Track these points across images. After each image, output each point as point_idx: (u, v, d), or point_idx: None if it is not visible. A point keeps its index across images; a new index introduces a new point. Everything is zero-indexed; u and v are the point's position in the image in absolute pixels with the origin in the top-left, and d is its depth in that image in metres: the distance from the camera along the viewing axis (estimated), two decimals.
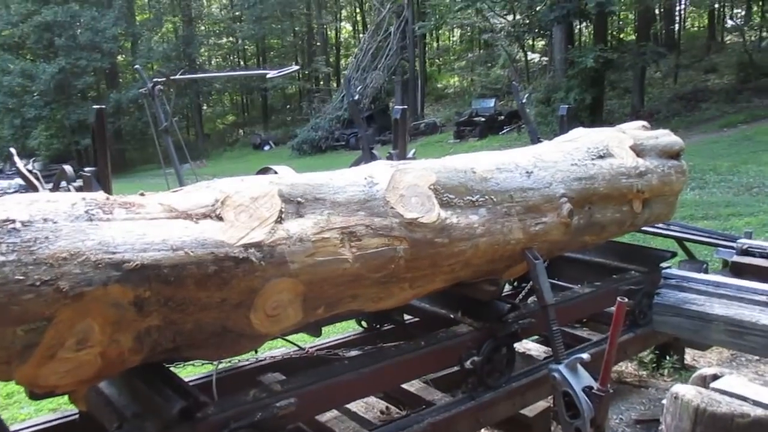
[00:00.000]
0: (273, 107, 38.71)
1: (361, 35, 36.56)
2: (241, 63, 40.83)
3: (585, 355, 2.62)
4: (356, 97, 3.16)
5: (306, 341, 3.17)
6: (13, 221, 1.65)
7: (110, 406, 2.10)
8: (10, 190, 20.42)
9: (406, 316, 3.44)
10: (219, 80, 31.93)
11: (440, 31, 35.04)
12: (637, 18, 22.85)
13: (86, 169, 2.43)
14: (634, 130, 3.60)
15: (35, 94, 30.18)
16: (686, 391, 1.89)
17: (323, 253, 2.12)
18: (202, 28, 38.35)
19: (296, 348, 3.02)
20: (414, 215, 2.36)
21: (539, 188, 2.86)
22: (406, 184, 2.43)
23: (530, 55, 25.58)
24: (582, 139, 3.35)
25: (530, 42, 26.29)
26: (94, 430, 2.28)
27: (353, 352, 2.96)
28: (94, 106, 2.47)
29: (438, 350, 2.63)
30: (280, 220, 2.07)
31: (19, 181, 21.80)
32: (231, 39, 38.36)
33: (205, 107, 39.19)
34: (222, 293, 1.91)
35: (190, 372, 2.87)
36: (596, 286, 3.49)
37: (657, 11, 23.51)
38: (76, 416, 2.48)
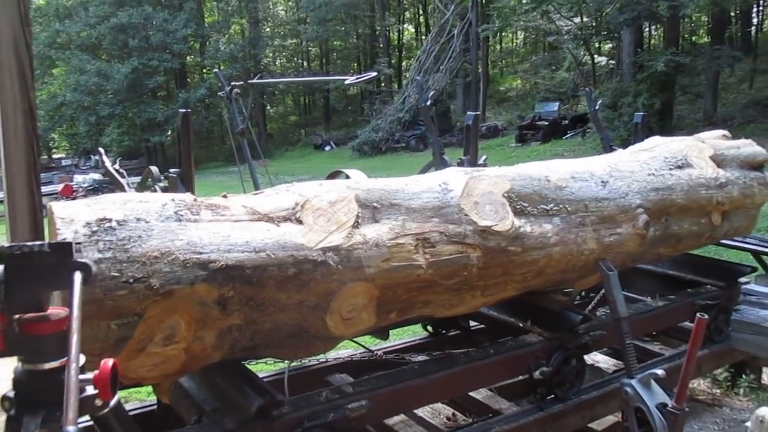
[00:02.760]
0: (334, 108, 39.09)
1: (423, 37, 36.54)
2: (305, 64, 41.46)
3: (660, 371, 2.56)
4: (429, 102, 3.16)
5: (373, 343, 3.20)
6: (110, 220, 1.74)
7: (190, 400, 2.18)
8: (85, 184, 21.35)
9: (472, 323, 3.42)
10: (279, 83, 32.52)
11: (504, 34, 34.66)
12: (711, 20, 21.98)
13: (172, 170, 2.53)
14: (714, 140, 3.48)
15: (109, 92, 31.44)
16: None
17: (398, 259, 2.14)
18: (268, 29, 39.08)
19: (364, 350, 3.05)
20: (488, 223, 2.35)
21: (615, 198, 2.80)
22: (481, 191, 2.43)
23: (597, 58, 24.98)
24: (659, 149, 3.26)
25: (597, 45, 25.71)
26: (170, 420, 2.38)
27: (420, 357, 2.97)
28: (181, 110, 2.56)
29: (507, 359, 2.61)
30: (357, 224, 2.10)
31: (93, 176, 22.75)
32: (295, 41, 38.97)
33: (268, 107, 39.96)
34: (300, 295, 1.96)
35: (261, 369, 2.95)
36: (670, 300, 3.39)
37: (733, 13, 22.60)
38: (154, 407, 2.58)
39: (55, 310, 1.05)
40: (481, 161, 3.26)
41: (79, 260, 0.95)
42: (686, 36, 23.25)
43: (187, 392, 2.21)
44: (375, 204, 2.20)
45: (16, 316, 1.05)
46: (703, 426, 3.42)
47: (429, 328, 3.43)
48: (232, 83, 3.30)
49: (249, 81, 3.25)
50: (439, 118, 26.41)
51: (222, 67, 35.07)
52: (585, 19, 22.01)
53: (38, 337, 1.08)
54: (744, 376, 3.75)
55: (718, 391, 3.79)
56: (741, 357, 3.59)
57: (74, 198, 20.13)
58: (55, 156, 35.82)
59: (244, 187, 3.22)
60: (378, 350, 3.06)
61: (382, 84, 35.58)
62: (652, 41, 25.09)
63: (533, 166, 2.79)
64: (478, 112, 3.25)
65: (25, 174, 3.33)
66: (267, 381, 2.65)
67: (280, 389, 2.51)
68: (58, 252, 0.94)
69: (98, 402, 1.09)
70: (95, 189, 21.16)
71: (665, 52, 16.79)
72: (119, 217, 1.75)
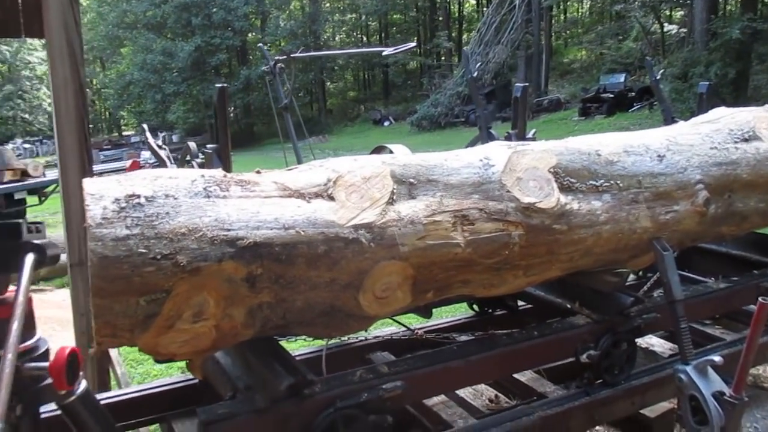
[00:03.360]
0: (393, 83, 38.91)
1: (484, 9, 35.73)
2: (364, 39, 41.32)
3: (717, 357, 2.40)
4: (475, 74, 3.05)
5: (416, 322, 3.14)
6: (138, 196, 1.73)
7: (225, 376, 2.18)
8: (152, 160, 22.05)
9: (520, 303, 3.32)
10: (342, 57, 32.49)
11: (568, 3, 33.52)
12: None
13: (208, 146, 2.52)
14: None
15: (174, 71, 32.25)
16: None
17: (434, 237, 2.06)
18: (327, 5, 39.09)
19: (405, 329, 3.00)
20: (531, 200, 2.24)
21: (672, 173, 2.63)
22: (524, 166, 2.31)
23: (667, 27, 23.83)
24: (724, 120, 3.04)
25: (667, 12, 24.53)
26: (212, 395, 2.40)
27: (463, 337, 2.91)
28: (217, 85, 2.55)
29: (552, 341, 2.51)
30: (391, 201, 2.03)
31: (161, 152, 23.52)
32: (354, 15, 38.85)
33: (328, 83, 40.12)
34: (331, 273, 1.91)
35: (302, 345, 2.94)
36: (733, 281, 3.19)
37: None
38: (197, 381, 2.61)
39: (11, 294, 1.02)
40: (529, 135, 3.13)
41: (32, 241, 0.91)
42: (765, 1, 21.83)
43: (223, 368, 2.22)
44: (411, 180, 2.12)
45: None
46: (767, 415, 3.23)
47: (475, 307, 3.35)
48: (276, 58, 3.26)
49: (292, 55, 3.22)
50: (500, 91, 25.90)
51: (282, 44, 35.36)
52: None
53: None
54: None
55: None
56: None
57: None
58: (124, 133, 37.13)
59: (287, 163, 3.20)
60: (420, 329, 3.01)
61: (442, 57, 35.10)
62: (728, 7, 23.74)
63: (584, 139, 2.64)
64: (527, 84, 3.12)
65: (77, 151, 3.40)
66: (306, 358, 2.65)
67: (318, 368, 2.50)
68: (7, 234, 0.91)
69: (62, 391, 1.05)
70: (158, 165, 21.87)
71: (741, 18, 15.84)
72: (148, 194, 1.74)
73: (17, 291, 0.90)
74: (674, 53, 20.61)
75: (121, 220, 1.67)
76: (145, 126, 3.75)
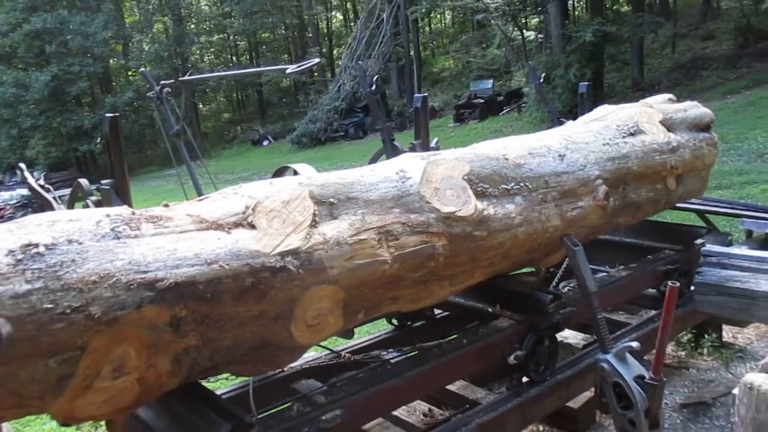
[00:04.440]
0: (269, 102, 38.43)
1: (352, 24, 36.23)
2: (234, 59, 40.53)
3: (635, 344, 2.52)
4: (373, 88, 3.02)
5: (337, 344, 3.05)
6: (36, 245, 1.53)
7: (148, 431, 1.99)
8: (12, 201, 20.29)
9: (436, 311, 3.32)
10: (212, 78, 31.63)
11: (432, 15, 34.70)
12: None
13: (104, 181, 2.31)
14: (662, 104, 3.47)
15: (30, 103, 29.96)
16: (762, 380, 1.77)
17: (361, 256, 2.00)
18: (193, 26, 38.01)
19: (329, 352, 2.91)
20: (451, 209, 2.24)
21: (573, 171, 2.73)
22: (440, 176, 2.31)
23: (526, 33, 25.29)
24: (610, 117, 3.22)
25: (524, 20, 26.02)
26: None
27: (388, 354, 2.85)
28: (107, 114, 2.34)
29: (481, 347, 2.52)
30: (314, 223, 1.95)
31: (21, 191, 21.65)
32: (222, 36, 38.03)
33: (200, 105, 38.95)
34: (260, 306, 1.80)
35: (223, 384, 2.77)
36: (632, 269, 3.37)
37: None
38: None
39: None
40: (433, 144, 3.15)
41: None
42: (609, 5, 23.74)
43: (146, 423, 2.02)
44: (331, 199, 2.05)
45: None
46: (673, 390, 3.43)
47: (394, 321, 3.31)
48: (162, 82, 3.07)
49: (180, 78, 3.04)
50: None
51: (148, 68, 33.85)
52: None
53: None
54: (706, 336, 3.79)
55: (683, 353, 3.82)
56: (703, 318, 3.62)
57: (2, 217, 19.12)
58: None
59: (186, 192, 3.01)
60: (344, 350, 2.92)
61: (315, 74, 35.15)
62: (577, 13, 25.57)
63: (490, 145, 2.69)
64: (426, 94, 3.12)
65: None
66: (230, 397, 2.49)
67: (244, 405, 2.35)
68: None
69: None
70: (24, 205, 20.15)
71: (592, 22, 17.09)
72: (47, 241, 1.55)
73: None
74: (535, 57, 21.87)
75: (19, 274, 1.47)
76: (22, 165, 3.40)
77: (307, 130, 26.90)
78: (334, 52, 38.10)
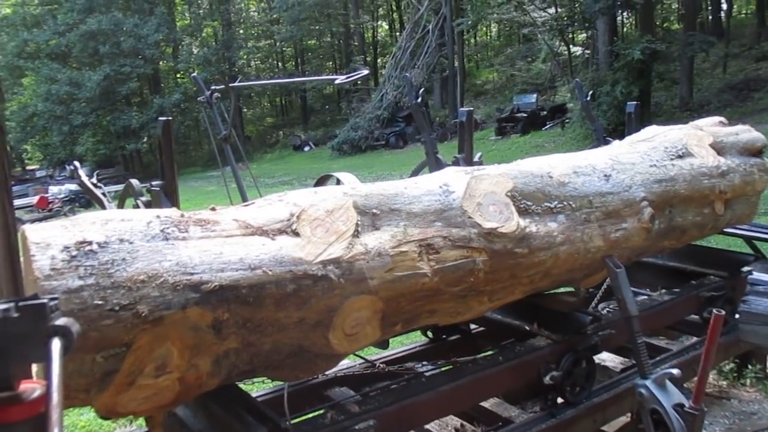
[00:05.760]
0: (312, 108, 38.84)
1: (398, 34, 36.41)
2: (279, 65, 41.12)
3: (675, 371, 2.47)
4: (419, 100, 3.02)
5: (373, 353, 3.06)
6: (90, 243, 1.58)
7: (185, 430, 2.03)
8: (61, 195, 20.92)
9: (472, 326, 3.30)
10: (262, 85, 32.12)
11: (478, 27, 34.64)
12: (683, 6, 22.09)
13: (154, 182, 2.37)
14: (712, 127, 3.40)
15: (82, 101, 30.89)
16: None
17: (402, 268, 2.01)
18: (241, 31, 38.69)
19: (363, 361, 2.92)
20: (493, 225, 2.23)
21: (618, 192, 2.70)
22: (483, 191, 2.30)
23: (572, 48, 25.02)
24: (658, 138, 3.16)
25: (571, 35, 25.77)
26: None
27: (422, 366, 2.85)
28: (160, 119, 2.41)
29: (517, 365, 2.50)
30: (356, 233, 1.97)
31: (69, 186, 22.32)
32: (269, 42, 38.62)
33: (245, 109, 39.58)
34: (300, 313, 1.82)
35: (258, 386, 2.80)
36: (675, 293, 3.30)
37: None
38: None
39: (28, 387, 0.85)
40: (476, 158, 3.14)
41: (56, 324, 0.78)
42: (659, 23, 23.36)
43: (183, 422, 2.06)
44: (374, 210, 2.07)
45: None
46: (713, 420, 3.34)
47: (429, 333, 3.30)
48: (213, 87, 3.14)
49: (230, 84, 3.11)
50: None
51: (196, 71, 34.62)
52: (559, 10, 22.05)
53: (8, 427, 0.87)
54: (750, 367, 3.68)
55: (725, 383, 3.72)
56: (748, 348, 3.52)
57: (50, 210, 19.72)
58: (28, 167, 35.16)
59: (230, 195, 3.07)
60: (378, 360, 2.93)
61: (359, 82, 35.43)
62: (625, 29, 25.21)
63: (534, 162, 2.67)
64: (472, 109, 3.13)
65: None
66: (264, 400, 2.51)
67: (278, 409, 2.38)
68: (30, 317, 0.76)
69: None
70: (71, 200, 20.78)
71: (641, 39, 16.82)
72: (100, 239, 1.60)
73: (49, 385, 0.75)
74: (581, 73, 21.63)
75: (72, 270, 1.52)
76: (76, 163, 3.51)
77: (349, 138, 27.09)
78: (378, 61, 38.32)
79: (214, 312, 1.66)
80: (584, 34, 24.86)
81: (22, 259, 1.68)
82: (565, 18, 20.86)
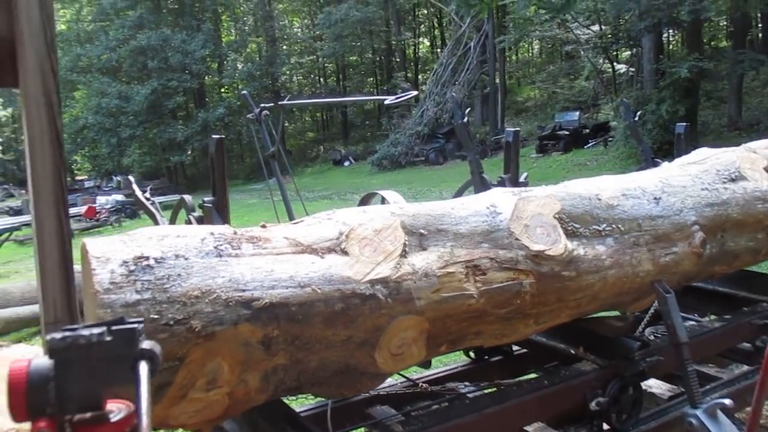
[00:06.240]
0: (352, 123, 39.20)
1: (439, 50, 36.57)
2: (321, 81, 41.67)
3: (727, 401, 2.40)
4: (465, 120, 3.02)
5: (414, 371, 3.05)
6: (147, 258, 1.63)
7: None
8: (108, 206, 21.53)
9: (515, 347, 3.27)
10: (311, 104, 32.60)
11: (519, 44, 34.55)
12: (732, 24, 21.65)
13: (206, 199, 2.43)
14: (766, 150, 3.32)
15: (130, 114, 31.82)
16: None
17: (448, 289, 2.01)
18: (285, 47, 39.37)
19: (405, 380, 2.91)
20: (540, 247, 2.21)
21: (669, 216, 2.65)
22: (530, 213, 2.29)
23: (616, 66, 24.72)
24: (710, 161, 3.10)
25: (615, 52, 25.47)
26: None
27: (465, 387, 2.83)
28: (213, 136, 2.47)
29: (562, 390, 2.46)
30: (404, 253, 1.98)
31: (116, 197, 22.94)
32: (312, 58, 39.19)
33: (287, 124, 40.16)
34: (348, 331, 1.84)
35: (301, 402, 2.82)
36: (726, 320, 3.21)
37: (753, 15, 22.27)
38: None
39: (114, 407, 0.89)
40: (522, 179, 3.13)
41: (144, 347, 0.81)
42: (707, 41, 22.92)
43: None
44: (422, 230, 2.08)
45: (68, 418, 0.86)
46: None
47: (471, 353, 3.28)
48: (262, 105, 3.21)
49: (279, 102, 3.17)
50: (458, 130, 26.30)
51: (240, 86, 35.34)
52: (603, 28, 21.85)
53: None
54: None
55: None
56: None
57: (97, 219, 20.31)
58: (77, 178, 36.27)
59: (276, 209, 3.12)
60: (420, 379, 2.92)
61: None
62: (671, 47, 24.82)
63: (581, 183, 2.65)
64: (519, 129, 3.13)
65: (53, 204, 3.26)
66: (307, 416, 2.53)
67: (321, 424, 2.39)
68: (121, 340, 0.80)
69: None
70: (118, 210, 21.39)
71: (688, 57, 16.54)
72: (157, 255, 1.65)
73: (138, 410, 0.78)
74: (625, 91, 21.36)
75: (130, 285, 1.57)
76: (131, 178, 3.62)
77: (388, 153, 27.23)
78: (419, 77, 38.50)
79: (265, 328, 1.69)
80: (629, 52, 24.54)
81: (77, 267, 1.75)
82: (610, 36, 20.65)
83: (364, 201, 3.14)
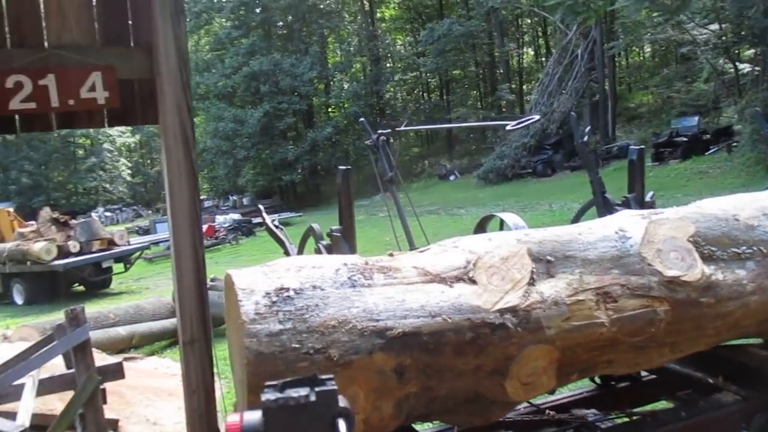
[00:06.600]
0: (457, 137, 39.09)
1: (543, 59, 35.82)
2: (425, 95, 41.92)
3: None
4: (585, 138, 2.93)
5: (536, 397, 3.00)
6: (287, 289, 1.72)
7: None
8: (226, 225, 22.68)
9: (643, 372, 3.13)
10: (406, 116, 32.99)
11: (629, 49, 33.19)
12: None
13: (333, 228, 2.53)
14: None
15: (244, 136, 33.46)
16: None
17: (579, 317, 1.97)
18: (388, 65, 40.02)
19: (528, 405, 2.86)
20: (675, 272, 2.12)
21: None
22: (662, 236, 2.21)
23: (739, 66, 23.14)
24: None
25: (736, 51, 23.88)
26: None
27: (592, 414, 2.74)
28: (340, 167, 2.57)
29: (701, 422, 2.33)
30: (532, 281, 1.96)
31: (233, 216, 24.15)
32: (415, 74, 39.57)
33: (392, 140, 40.68)
34: (477, 360, 1.85)
35: (425, 425, 2.84)
36: None
37: None
38: None
39: None
40: (648, 198, 3.00)
41: (342, 406, 0.89)
42: None
43: None
44: (548, 257, 2.06)
45: None
46: None
47: (597, 379, 3.17)
48: (380, 131, 3.30)
49: (397, 128, 3.24)
50: (566, 141, 25.59)
51: (346, 105, 36.29)
52: (723, 26, 20.57)
53: None
54: None
55: None
56: None
57: (216, 237, 21.43)
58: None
59: (397, 239, 3.18)
60: (544, 405, 2.86)
61: (504, 110, 35.21)
62: None
63: (716, 203, 2.51)
64: (643, 147, 3.00)
65: (189, 231, 3.49)
66: None
67: None
68: (323, 400, 0.88)
69: None
70: (234, 228, 22.49)
71: None
72: (296, 286, 1.74)
73: None
74: (749, 93, 19.94)
75: (273, 315, 1.67)
76: (261, 206, 3.82)
77: (494, 166, 26.90)
78: (524, 87, 37.87)
79: (398, 357, 1.73)
80: (752, 51, 22.93)
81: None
82: (731, 34, 19.40)
83: (482, 224, 3.13)
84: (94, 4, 2.95)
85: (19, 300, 13.62)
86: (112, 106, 3.06)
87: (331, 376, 0.91)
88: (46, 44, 2.82)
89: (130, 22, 3.07)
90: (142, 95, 3.69)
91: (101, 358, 5.05)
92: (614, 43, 24.03)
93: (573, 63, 28.00)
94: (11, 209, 17.32)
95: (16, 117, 2.79)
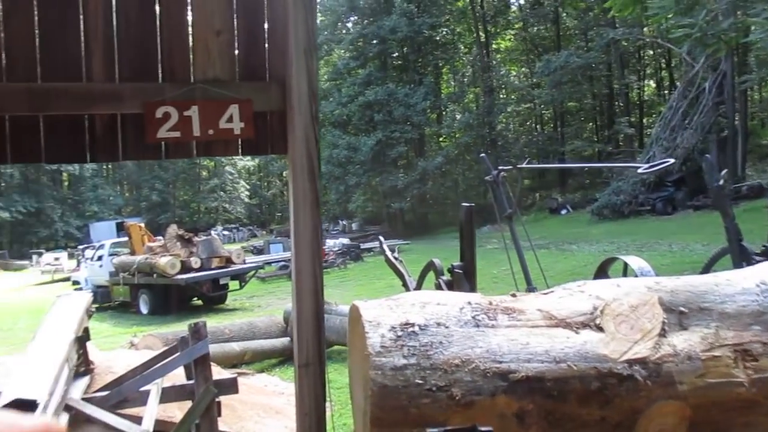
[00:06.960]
0: (570, 170, 38.10)
1: (666, 92, 34.32)
2: (538, 127, 41.29)
3: None
4: (721, 182, 2.78)
5: None
6: (413, 325, 1.75)
7: None
8: (335, 248, 23.26)
9: None
10: (518, 147, 32.59)
11: (763, 82, 31.10)
12: None
13: (455, 264, 2.55)
14: None
15: (356, 163, 34.36)
16: None
17: (714, 375, 1.86)
18: (502, 96, 39.84)
19: None
20: None
21: None
22: None
23: None
24: None
25: None
26: None
27: None
28: (463, 204, 2.60)
29: None
30: (663, 333, 1.88)
31: (343, 240, 24.74)
32: (528, 105, 39.13)
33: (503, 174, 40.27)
34: (602, 412, 1.79)
35: None
36: None
37: None
38: None
39: None
40: None
41: None
42: None
43: None
44: (681, 308, 1.96)
45: None
46: None
47: None
48: (500, 168, 3.30)
49: (518, 165, 3.23)
50: (690, 178, 24.24)
51: (457, 135, 36.39)
52: None
53: None
54: None
55: None
56: None
57: (326, 261, 22.01)
58: None
59: (515, 275, 3.15)
60: None
61: (621, 143, 33.96)
62: None
63: None
64: None
65: (310, 260, 3.63)
66: None
67: None
68: None
69: None
70: (343, 253, 23.02)
71: None
72: (421, 322, 1.76)
73: None
74: None
75: (398, 349, 1.70)
76: (381, 238, 3.92)
77: (610, 202, 25.91)
78: (644, 120, 36.39)
79: (520, 401, 1.71)
80: None
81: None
82: None
83: (603, 267, 3.04)
84: (236, 42, 3.19)
85: (144, 309, 14.64)
86: (248, 137, 3.27)
87: (491, 428, 0.92)
88: (192, 79, 3.07)
89: (267, 58, 3.28)
90: (274, 126, 3.91)
91: (216, 372, 5.32)
92: (747, 76, 22.62)
93: (699, 97, 26.60)
94: (142, 224, 18.71)
95: (163, 144, 3.04)
